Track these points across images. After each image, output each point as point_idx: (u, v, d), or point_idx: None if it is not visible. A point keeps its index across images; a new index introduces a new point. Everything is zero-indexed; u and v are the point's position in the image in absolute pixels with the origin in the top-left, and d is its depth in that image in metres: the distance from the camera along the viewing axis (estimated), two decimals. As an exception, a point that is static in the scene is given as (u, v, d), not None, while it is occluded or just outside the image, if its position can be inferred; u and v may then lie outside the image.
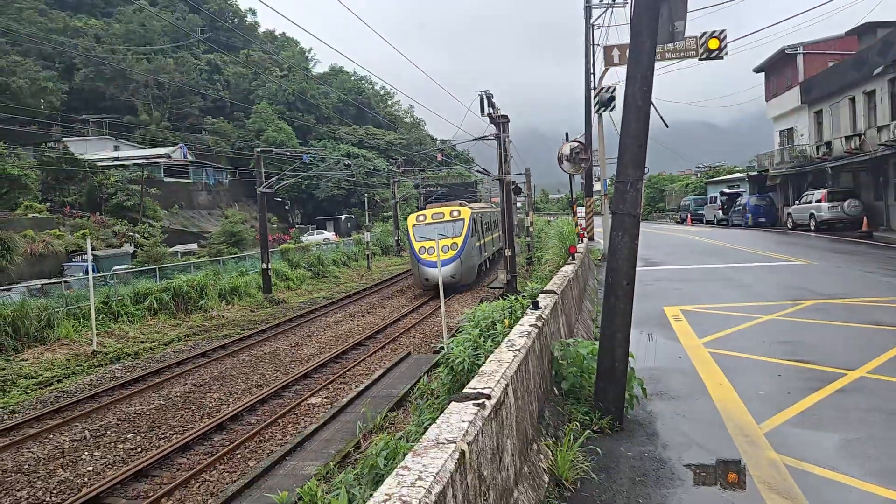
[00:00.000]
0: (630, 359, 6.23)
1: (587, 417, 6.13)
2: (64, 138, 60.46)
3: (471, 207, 33.23)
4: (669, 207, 74.89)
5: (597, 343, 6.44)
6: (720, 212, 49.81)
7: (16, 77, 58.08)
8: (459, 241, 29.61)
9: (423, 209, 33.73)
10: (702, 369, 8.40)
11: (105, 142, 65.94)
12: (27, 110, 57.01)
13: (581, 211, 32.03)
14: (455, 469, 2.73)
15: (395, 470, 2.65)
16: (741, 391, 7.44)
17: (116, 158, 58.18)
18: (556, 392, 6.29)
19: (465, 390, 3.68)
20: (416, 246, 29.61)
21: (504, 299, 9.36)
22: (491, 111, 25.39)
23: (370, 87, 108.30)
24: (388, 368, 17.40)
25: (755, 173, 50.78)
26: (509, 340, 5.18)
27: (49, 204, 45.50)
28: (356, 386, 15.92)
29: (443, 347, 8.76)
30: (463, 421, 3.18)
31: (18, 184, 42.42)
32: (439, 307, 18.03)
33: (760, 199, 44.63)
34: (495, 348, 7.37)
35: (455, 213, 30.59)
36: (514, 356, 4.56)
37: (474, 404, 3.36)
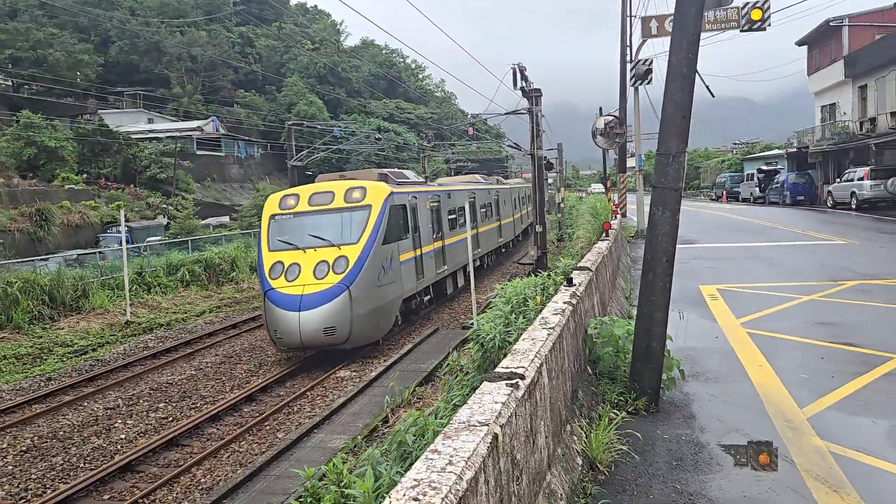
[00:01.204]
0: (668, 340, 6.01)
1: (622, 398, 5.94)
2: (99, 111, 61.14)
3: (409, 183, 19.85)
4: (704, 184, 73.52)
5: (632, 322, 6.24)
6: (757, 189, 48.63)
7: (52, 49, 58.74)
8: (353, 253, 15.21)
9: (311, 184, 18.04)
10: (740, 350, 8.12)
11: (139, 114, 66.56)
12: (64, 82, 57.68)
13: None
14: (487, 454, 2.57)
15: (425, 454, 2.50)
16: (782, 374, 7.16)
17: (150, 131, 58.70)
18: (590, 371, 6.11)
19: (498, 369, 3.52)
20: (268, 261, 15.53)
21: (535, 276, 9.16)
22: (524, 85, 24.94)
23: (401, 60, 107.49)
24: (416, 343, 17.36)
25: (794, 150, 49.39)
26: (542, 318, 5.00)
27: (85, 176, 46.16)
28: (385, 360, 15.90)
29: (472, 324, 8.59)
30: (496, 402, 3.02)
31: (55, 155, 43.06)
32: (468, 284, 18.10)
33: (799, 176, 43.44)
34: (527, 325, 7.18)
35: (355, 195, 16.19)
36: (548, 335, 4.38)
37: (507, 384, 3.20)
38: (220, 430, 12.01)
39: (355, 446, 10.70)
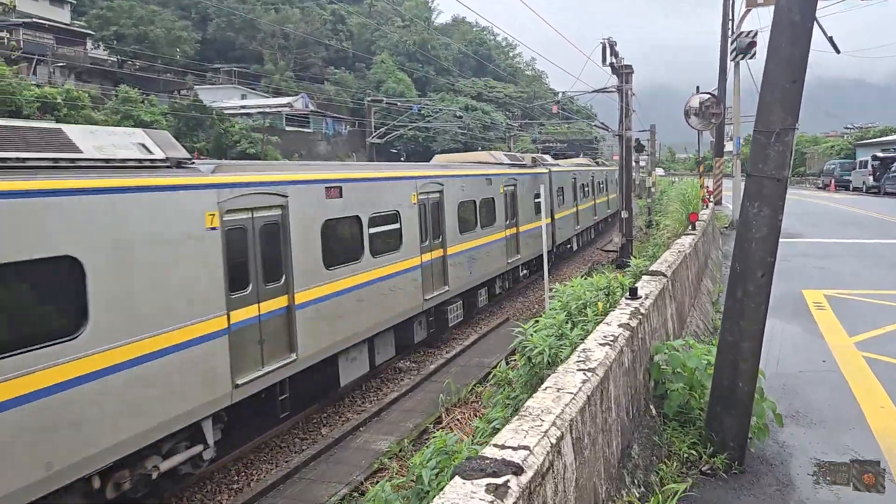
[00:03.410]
0: (759, 376, 4.57)
1: (694, 451, 4.57)
2: (195, 86, 62.91)
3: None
4: (810, 172, 68.38)
5: (711, 349, 4.87)
6: (871, 178, 44.49)
7: (154, 26, 60.67)
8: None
9: None
10: (854, 382, 6.50)
11: (233, 90, 68.17)
12: (163, 59, 59.51)
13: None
14: None
15: None
16: (910, 418, 5.58)
17: (242, 107, 59.97)
18: (654, 412, 4.79)
19: (488, 449, 2.36)
20: None
21: (618, 267, 7.78)
22: (613, 61, 23.20)
23: (492, 38, 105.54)
24: (483, 334, 16.36)
25: (918, 135, 44.77)
26: (584, 351, 3.74)
27: (179, 149, 47.45)
28: (447, 352, 14.97)
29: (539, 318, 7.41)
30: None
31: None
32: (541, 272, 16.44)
33: (922, 164, 39.25)
34: (581, 340, 5.92)
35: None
36: (584, 381, 3.16)
37: (488, 487, 2.03)
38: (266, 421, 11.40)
39: (400, 450, 9.85)
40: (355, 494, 8.70)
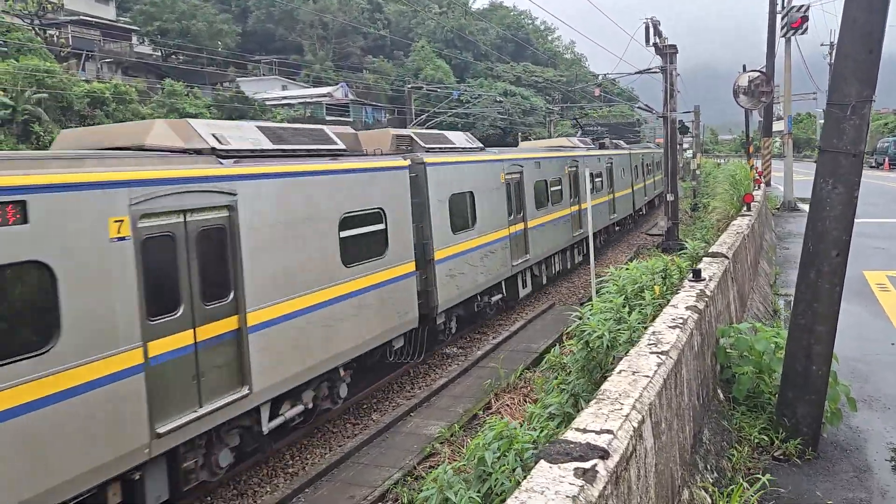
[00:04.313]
0: (833, 360, 4.40)
1: (765, 436, 4.43)
2: (237, 78, 63.74)
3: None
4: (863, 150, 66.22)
5: (780, 330, 4.71)
6: (928, 155, 43.03)
7: (195, 20, 61.57)
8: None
9: None
10: (926, 364, 6.26)
11: (275, 81, 68.87)
12: (206, 51, 60.42)
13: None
14: None
15: None
16: None
17: (284, 97, 60.60)
18: (721, 396, 4.66)
19: (570, 432, 2.30)
20: None
21: (664, 251, 7.61)
22: (657, 41, 22.69)
23: (530, 22, 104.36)
24: (529, 319, 16.23)
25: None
26: (654, 333, 3.66)
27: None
28: (494, 337, 14.92)
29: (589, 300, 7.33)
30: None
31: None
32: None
33: None
34: (642, 324, 5.80)
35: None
36: (659, 364, 3.07)
37: (577, 471, 1.99)
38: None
39: (451, 435, 9.87)
40: (408, 478, 8.74)
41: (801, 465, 4.25)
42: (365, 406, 11.56)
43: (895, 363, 6.42)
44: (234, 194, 7.90)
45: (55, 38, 48.87)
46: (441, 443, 9.41)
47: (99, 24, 55.90)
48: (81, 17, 54.16)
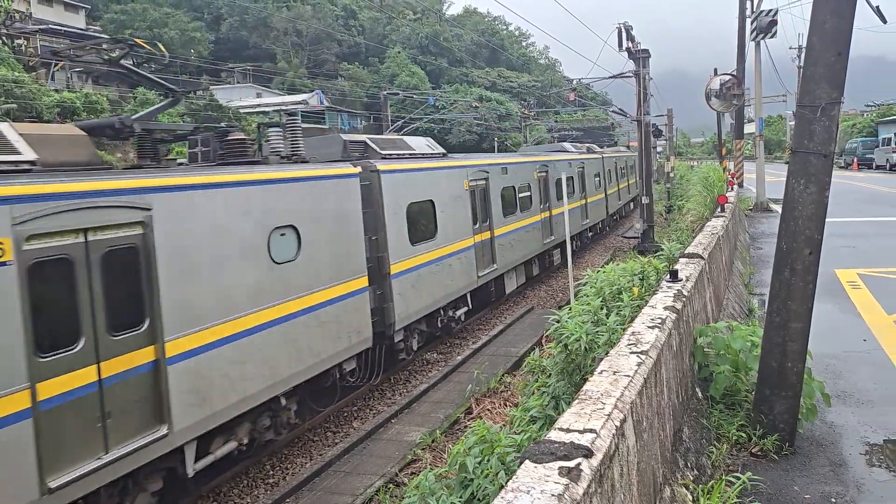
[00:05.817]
0: (807, 357, 4.50)
1: (742, 433, 4.51)
2: (211, 87, 63.25)
3: None
4: (833, 151, 67.38)
5: (755, 330, 4.79)
6: (894, 155, 43.92)
7: (168, 28, 61.07)
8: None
9: None
10: (897, 359, 6.41)
11: (249, 89, 68.42)
12: (178, 60, 59.86)
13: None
14: None
15: None
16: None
17: (258, 105, 60.24)
18: (700, 395, 4.73)
19: (554, 432, 2.33)
20: None
21: (640, 253, 7.69)
22: (630, 45, 22.96)
23: (504, 28, 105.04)
24: (508, 324, 16.28)
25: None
26: (633, 333, 3.71)
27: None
28: (473, 342, 14.94)
29: (568, 303, 7.36)
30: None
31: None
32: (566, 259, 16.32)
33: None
34: (620, 325, 5.86)
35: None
36: (639, 364, 3.12)
37: (561, 471, 2.01)
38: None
39: (433, 441, 9.86)
40: (390, 486, 8.71)
41: (779, 460, 4.35)
42: (346, 413, 11.51)
43: (868, 359, 6.56)
44: (149, 209, 7.00)
45: (23, 48, 48.11)
46: (423, 449, 9.38)
47: (68, 33, 55.16)
48: (50, 26, 53.42)
